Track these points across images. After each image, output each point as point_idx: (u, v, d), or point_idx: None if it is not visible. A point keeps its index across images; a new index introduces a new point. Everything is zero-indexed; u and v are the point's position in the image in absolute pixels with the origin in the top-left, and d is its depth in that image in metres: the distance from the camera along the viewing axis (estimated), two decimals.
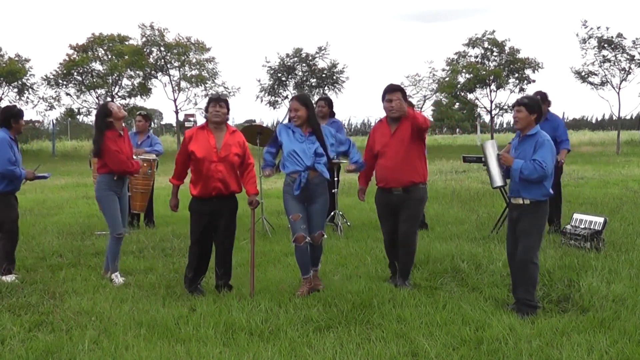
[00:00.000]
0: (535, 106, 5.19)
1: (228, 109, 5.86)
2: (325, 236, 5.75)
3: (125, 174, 6.47)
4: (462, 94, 37.31)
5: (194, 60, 35.08)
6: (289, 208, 5.80)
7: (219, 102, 5.79)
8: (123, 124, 6.52)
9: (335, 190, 9.08)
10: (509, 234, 5.40)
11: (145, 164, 8.83)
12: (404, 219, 5.93)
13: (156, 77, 35.57)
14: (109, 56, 35.46)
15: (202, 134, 5.80)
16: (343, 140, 6.01)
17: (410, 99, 24.62)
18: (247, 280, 6.17)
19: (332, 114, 9.16)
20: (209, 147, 5.72)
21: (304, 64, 36.72)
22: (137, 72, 35.07)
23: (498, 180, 5.22)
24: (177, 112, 35.39)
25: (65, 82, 35.05)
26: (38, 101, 35.26)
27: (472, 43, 36.53)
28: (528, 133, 5.19)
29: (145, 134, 9.66)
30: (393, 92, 5.92)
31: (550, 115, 8.31)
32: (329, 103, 9.20)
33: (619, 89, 33.34)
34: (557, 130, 8.11)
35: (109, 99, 34.58)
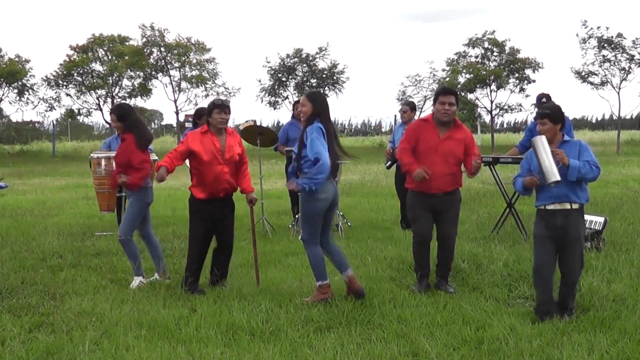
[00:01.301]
0: (558, 115, 5.11)
1: (230, 114, 5.96)
2: (301, 238, 5.61)
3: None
4: (463, 94, 37.25)
5: (195, 61, 35.06)
6: None
7: (224, 109, 5.84)
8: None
9: None
10: (546, 245, 5.04)
11: None
12: (449, 221, 5.97)
13: (156, 78, 35.54)
14: (109, 57, 35.42)
15: (207, 138, 5.86)
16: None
17: (410, 99, 24.74)
18: (248, 281, 6.18)
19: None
20: (215, 151, 5.82)
21: (304, 65, 36.69)
22: (138, 72, 35.03)
23: (555, 174, 4.78)
24: (177, 113, 35.38)
25: (65, 83, 35.00)
26: (38, 102, 35.20)
27: (472, 43, 36.49)
28: (564, 139, 5.12)
29: None
30: (448, 94, 5.92)
31: None
32: None
33: (619, 88, 33.32)
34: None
35: (109, 99, 34.67)
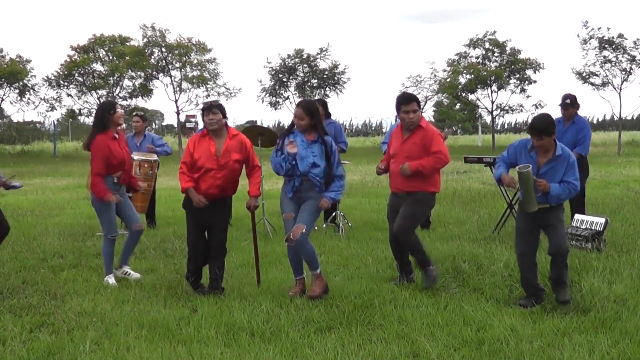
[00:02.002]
0: (554, 127, 5.24)
1: (223, 113, 5.82)
2: (305, 231, 5.56)
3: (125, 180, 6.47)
4: (464, 94, 37.31)
5: (195, 61, 35.07)
6: (283, 207, 5.86)
7: (212, 110, 5.77)
8: (121, 127, 6.48)
9: None
10: (525, 235, 5.45)
11: (146, 165, 8.84)
12: (400, 215, 5.94)
13: (157, 78, 35.58)
14: (110, 57, 35.49)
15: (204, 141, 5.81)
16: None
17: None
18: (248, 281, 6.18)
19: (328, 115, 9.10)
20: (209, 155, 5.74)
21: (305, 65, 36.72)
22: (139, 73, 35.08)
23: (535, 207, 5.26)
24: (178, 113, 35.42)
25: (66, 83, 35.08)
26: (39, 102, 35.33)
27: (473, 44, 36.56)
28: (557, 154, 5.27)
29: (142, 135, 9.67)
30: (409, 102, 5.92)
31: (578, 118, 8.22)
32: (322, 104, 9.09)
33: (620, 89, 33.35)
34: (579, 133, 8.06)
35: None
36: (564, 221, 5.43)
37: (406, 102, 5.92)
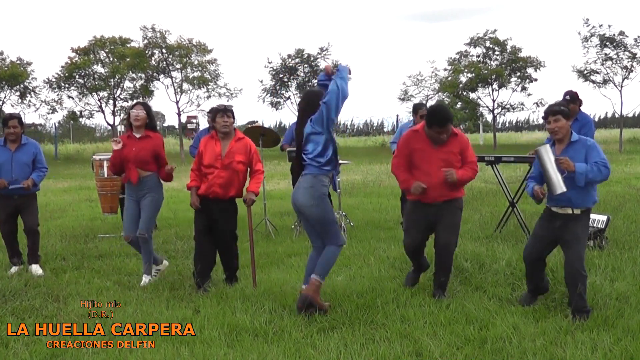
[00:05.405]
0: (569, 111, 5.13)
1: (234, 118, 6.10)
2: (296, 236, 5.47)
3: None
4: (464, 93, 37.29)
5: (196, 62, 35.06)
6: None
7: (226, 113, 6.05)
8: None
9: (339, 190, 9.08)
10: (538, 241, 5.24)
11: None
12: (445, 228, 5.62)
13: (158, 79, 35.57)
14: (111, 59, 35.49)
15: (211, 142, 6.10)
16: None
17: (412, 99, 24.28)
18: (251, 282, 6.17)
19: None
20: (214, 154, 6.00)
21: (305, 65, 36.73)
22: (139, 74, 35.07)
23: (561, 186, 4.85)
24: (179, 114, 35.42)
25: (67, 85, 35.09)
26: (40, 104, 35.36)
27: (474, 42, 36.55)
28: (572, 140, 5.06)
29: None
30: (444, 125, 5.47)
31: (581, 115, 8.20)
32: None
33: (621, 87, 33.32)
34: (582, 130, 8.03)
35: (111, 101, 34.76)
36: (582, 240, 5.04)
37: (440, 125, 5.48)
